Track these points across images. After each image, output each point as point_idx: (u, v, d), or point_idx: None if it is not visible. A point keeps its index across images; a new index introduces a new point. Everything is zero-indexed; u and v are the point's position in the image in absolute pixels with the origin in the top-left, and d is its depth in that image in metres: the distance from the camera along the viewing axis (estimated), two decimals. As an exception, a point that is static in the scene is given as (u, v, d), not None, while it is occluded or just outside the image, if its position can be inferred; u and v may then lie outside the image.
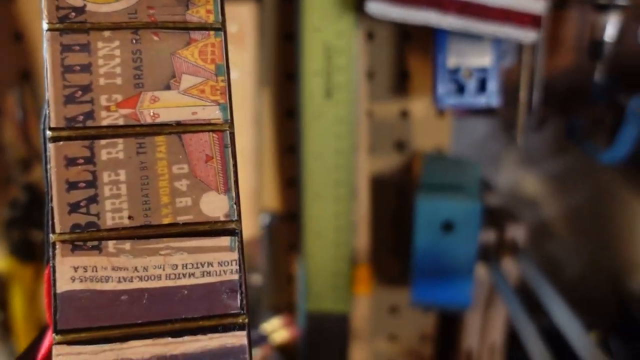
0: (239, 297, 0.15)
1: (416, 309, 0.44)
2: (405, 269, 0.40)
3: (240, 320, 0.15)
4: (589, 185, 0.47)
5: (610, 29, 0.33)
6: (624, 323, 0.42)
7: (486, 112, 0.40)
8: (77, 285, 0.14)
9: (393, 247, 0.43)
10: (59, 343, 0.14)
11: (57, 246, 0.14)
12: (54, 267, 0.14)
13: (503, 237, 0.37)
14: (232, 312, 0.15)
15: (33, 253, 0.42)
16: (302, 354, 0.40)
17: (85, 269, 0.14)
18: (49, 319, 0.16)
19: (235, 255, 0.15)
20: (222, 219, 0.15)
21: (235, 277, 0.15)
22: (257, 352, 0.35)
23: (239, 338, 0.15)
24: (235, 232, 0.15)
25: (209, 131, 0.15)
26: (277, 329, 0.36)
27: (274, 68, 0.38)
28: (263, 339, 0.36)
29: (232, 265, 0.15)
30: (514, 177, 0.47)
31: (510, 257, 0.38)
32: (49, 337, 0.17)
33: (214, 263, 0.15)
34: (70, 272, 0.14)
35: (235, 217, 0.15)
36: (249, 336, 0.15)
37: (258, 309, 0.41)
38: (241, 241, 0.15)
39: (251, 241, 0.41)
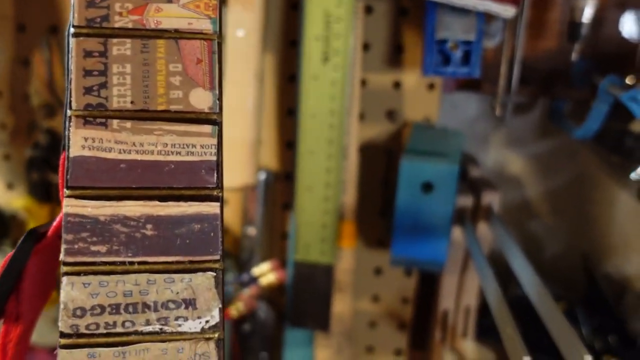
0: (215, 174, 0.18)
1: (398, 272, 0.47)
2: (390, 232, 0.43)
3: (215, 193, 0.18)
4: (571, 167, 0.49)
5: (589, 11, 0.35)
6: (591, 297, 0.44)
7: (472, 87, 0.43)
8: (86, 152, 0.17)
9: (380, 210, 0.46)
10: (68, 197, 0.17)
11: (72, 120, 0.18)
12: (68, 137, 0.18)
13: (479, 203, 0.40)
14: (209, 186, 0.18)
15: (49, 194, 0.46)
16: (289, 302, 0.43)
17: (93, 139, 0.18)
18: (61, 195, 0.19)
19: (214, 141, 0.18)
20: (206, 110, 0.18)
21: (214, 158, 0.18)
22: (246, 292, 0.39)
23: (213, 207, 0.18)
24: (216, 122, 0.18)
25: (200, 39, 0.18)
26: (265, 273, 0.39)
27: (279, 34, 0.42)
28: (252, 281, 0.39)
29: (211, 148, 0.18)
30: (500, 157, 0.50)
31: (485, 222, 0.40)
32: (60, 216, 0.20)
33: (197, 145, 0.18)
34: (81, 141, 0.18)
35: (217, 110, 0.18)
36: (221, 207, 0.18)
37: (252, 259, 0.44)
38: (220, 134, 0.19)
39: (248, 194, 0.44)
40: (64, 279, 0.17)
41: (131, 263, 0.18)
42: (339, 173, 0.39)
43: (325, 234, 0.40)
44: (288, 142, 0.44)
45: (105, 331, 0.17)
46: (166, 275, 0.18)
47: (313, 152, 0.39)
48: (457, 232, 0.41)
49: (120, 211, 0.18)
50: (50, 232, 0.21)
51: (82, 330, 0.17)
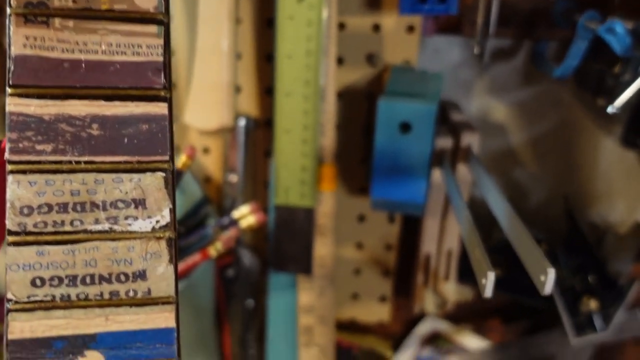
0: (162, 75, 0.18)
1: (382, 218, 0.47)
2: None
3: (163, 94, 0.18)
4: (555, 114, 0.49)
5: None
6: (571, 238, 0.44)
7: (452, 30, 0.43)
8: (28, 51, 0.17)
9: (362, 157, 0.45)
10: (11, 95, 0.17)
11: (12, 19, 0.17)
12: (9, 36, 0.17)
13: (459, 144, 0.40)
14: (156, 86, 0.18)
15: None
16: (271, 246, 0.43)
17: (35, 38, 0.17)
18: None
19: (161, 42, 0.18)
20: (151, 10, 0.18)
21: (160, 59, 0.18)
22: (226, 234, 0.39)
23: (161, 108, 0.18)
24: (162, 22, 0.18)
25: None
26: (245, 215, 0.39)
27: (254, -24, 0.41)
28: (232, 223, 0.39)
29: (158, 49, 0.18)
30: (483, 104, 0.49)
31: (465, 164, 0.40)
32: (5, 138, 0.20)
33: (143, 45, 0.18)
34: (22, 40, 0.17)
35: (163, 10, 0.18)
36: (170, 109, 0.18)
37: (234, 207, 0.44)
38: (167, 35, 0.18)
39: (228, 141, 0.44)
40: (9, 177, 0.17)
41: (77, 162, 0.18)
42: (316, 115, 0.39)
43: (304, 177, 0.40)
44: (267, 89, 0.44)
45: (53, 229, 0.17)
46: (114, 175, 0.18)
47: (290, 94, 0.39)
48: (437, 175, 0.41)
49: (64, 110, 0.18)
50: None
51: (30, 228, 0.17)
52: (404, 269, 0.49)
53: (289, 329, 0.46)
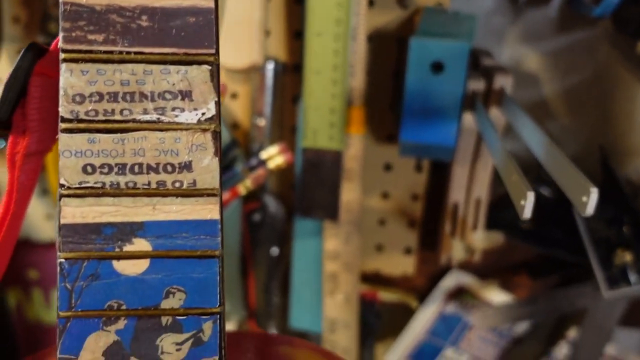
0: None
1: (408, 167, 0.47)
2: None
3: None
4: (591, 64, 0.48)
5: None
6: (606, 188, 0.44)
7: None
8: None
9: (390, 104, 0.45)
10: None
11: None
12: None
13: (491, 87, 0.39)
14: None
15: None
16: (298, 192, 0.44)
17: None
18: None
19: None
20: None
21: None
22: (255, 173, 0.39)
23: (207, 1, 0.18)
24: None
25: None
26: (273, 156, 0.40)
27: None
28: (261, 164, 0.40)
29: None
30: (516, 53, 0.48)
31: (497, 107, 0.40)
32: (57, 38, 0.20)
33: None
34: None
35: None
36: (216, 3, 0.18)
37: (261, 150, 0.44)
38: None
39: (257, 85, 0.44)
40: (63, 66, 0.18)
41: (128, 52, 0.18)
42: (346, 55, 0.39)
43: (333, 119, 0.40)
44: (296, 32, 0.43)
45: (104, 118, 0.18)
46: (162, 66, 0.18)
47: (321, 34, 0.38)
48: (468, 119, 0.41)
49: (115, 1, 0.18)
50: (51, 47, 0.21)
51: (82, 116, 0.18)
52: (430, 221, 0.49)
53: (314, 276, 0.47)
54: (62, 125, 0.18)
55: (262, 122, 0.44)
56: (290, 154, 0.39)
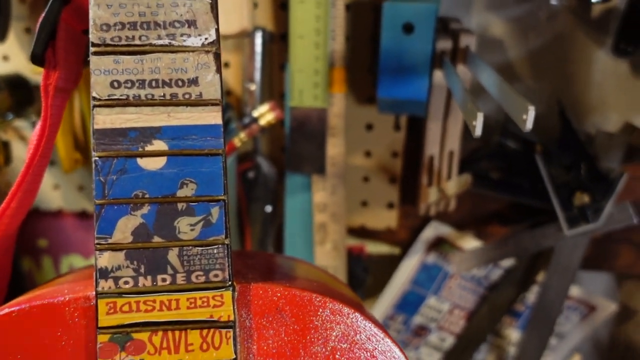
0: None
1: (388, 126, 0.51)
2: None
3: None
4: (551, 28, 0.52)
5: None
6: (564, 138, 0.48)
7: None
8: None
9: (369, 67, 0.50)
10: None
11: None
12: None
13: (457, 45, 0.44)
14: None
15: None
16: (287, 149, 0.48)
17: None
18: None
19: None
20: None
21: None
22: (248, 129, 0.43)
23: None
24: None
25: None
26: (264, 113, 0.44)
27: None
28: (253, 121, 0.44)
29: None
30: (482, 20, 0.53)
31: (464, 64, 0.44)
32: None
33: None
34: None
35: None
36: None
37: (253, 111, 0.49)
38: None
39: (246, 54, 0.48)
40: (91, 1, 0.22)
41: (143, -11, 0.22)
42: (327, 21, 0.43)
43: (317, 80, 0.45)
44: (282, 4, 0.48)
45: (126, 43, 0.22)
46: (172, 0, 0.22)
47: (303, 1, 0.43)
48: (438, 78, 0.45)
49: (132, -52, 0.22)
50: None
51: (108, 41, 0.22)
52: (410, 176, 0.54)
53: (305, 228, 0.51)
54: (93, 49, 0.22)
55: (253, 86, 0.48)
56: (279, 110, 0.44)
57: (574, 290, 0.58)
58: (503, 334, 0.60)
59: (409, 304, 0.59)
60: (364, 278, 0.56)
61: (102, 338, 0.21)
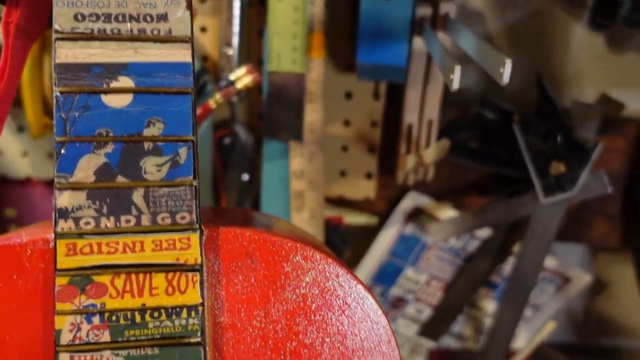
0: None
1: (367, 95, 0.51)
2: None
3: None
4: (529, 2, 0.52)
5: None
6: (542, 107, 0.49)
7: None
8: None
9: (348, 33, 0.49)
10: None
11: None
12: None
13: (437, 13, 0.44)
14: None
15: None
16: (265, 115, 0.47)
17: None
18: None
19: None
20: None
21: None
22: (223, 90, 0.42)
23: None
24: None
25: None
26: (241, 76, 0.43)
27: None
28: (229, 84, 0.43)
29: None
30: (464, -9, 0.53)
31: (444, 31, 0.44)
32: None
33: None
34: None
35: None
36: None
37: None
38: None
39: (224, 19, 0.47)
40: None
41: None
42: (307, -17, 0.42)
43: (295, 43, 0.44)
44: (261, -34, 0.47)
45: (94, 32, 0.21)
46: None
47: (282, -39, 0.42)
48: (418, 43, 0.45)
49: None
50: None
51: (81, 30, 0.21)
52: (388, 146, 0.54)
53: (282, 197, 0.50)
54: (58, 35, 0.21)
55: (230, 51, 0.47)
56: (257, 74, 0.43)
57: (550, 262, 0.58)
58: (479, 305, 0.61)
59: (386, 275, 0.59)
60: (342, 249, 0.56)
61: (61, 281, 0.21)
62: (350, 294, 0.23)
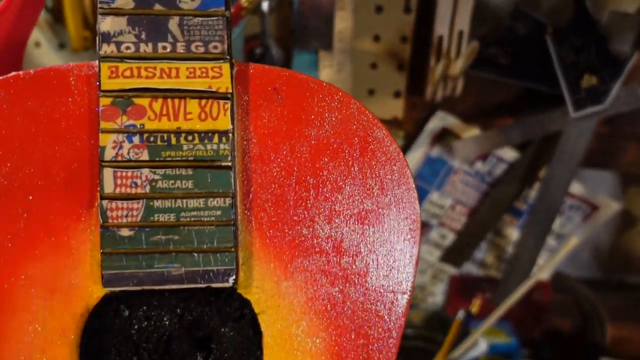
0: None
1: (398, 9, 0.51)
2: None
3: None
4: None
5: None
6: (577, 20, 0.47)
7: None
8: None
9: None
10: None
11: None
12: None
13: None
14: None
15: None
16: (296, 25, 0.48)
17: None
18: None
19: None
20: None
21: None
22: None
23: None
24: None
25: None
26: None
27: None
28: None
29: None
30: None
31: None
32: None
33: None
34: None
35: None
36: None
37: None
38: None
39: None
40: None
41: None
42: None
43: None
44: None
45: None
46: None
47: None
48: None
49: None
50: None
51: None
52: (418, 64, 0.54)
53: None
54: None
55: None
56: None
57: (578, 189, 0.58)
58: (503, 232, 0.61)
59: (411, 197, 0.59)
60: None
61: (105, 101, 0.22)
62: (372, 133, 0.24)
